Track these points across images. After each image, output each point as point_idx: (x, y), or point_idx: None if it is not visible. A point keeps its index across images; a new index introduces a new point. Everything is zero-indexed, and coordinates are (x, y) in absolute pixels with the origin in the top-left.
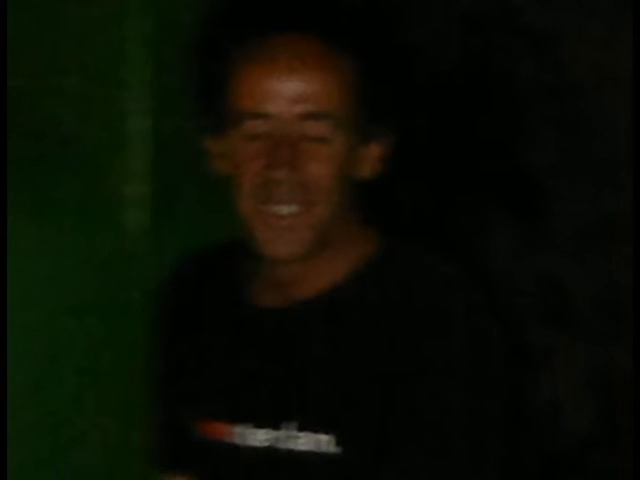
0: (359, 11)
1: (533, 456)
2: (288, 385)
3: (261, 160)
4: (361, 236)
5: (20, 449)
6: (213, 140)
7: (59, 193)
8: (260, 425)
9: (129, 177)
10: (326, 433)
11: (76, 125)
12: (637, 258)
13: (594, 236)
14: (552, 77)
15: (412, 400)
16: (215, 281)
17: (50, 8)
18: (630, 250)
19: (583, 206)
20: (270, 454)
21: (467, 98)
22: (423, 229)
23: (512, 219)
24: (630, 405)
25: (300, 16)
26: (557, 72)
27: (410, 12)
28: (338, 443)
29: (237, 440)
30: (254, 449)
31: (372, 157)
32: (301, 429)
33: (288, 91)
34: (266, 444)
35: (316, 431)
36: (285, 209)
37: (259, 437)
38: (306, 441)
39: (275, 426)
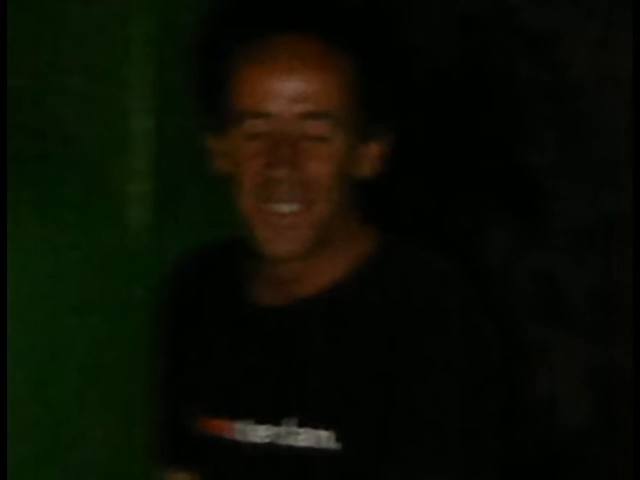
0: (359, 11)
1: (530, 450)
2: (288, 382)
3: (262, 159)
4: (361, 234)
5: (23, 446)
6: (214, 139)
7: (62, 191)
8: (261, 421)
9: (132, 175)
10: (326, 429)
11: (79, 124)
12: (637, 257)
13: (592, 235)
14: (550, 77)
15: (411, 396)
16: (216, 279)
17: (53, 8)
18: (628, 249)
19: (581, 205)
20: (270, 450)
21: (466, 98)
22: (422, 227)
23: (511, 218)
24: (627, 400)
25: (300, 16)
26: (555, 72)
27: (409, 12)
28: (338, 439)
29: (238, 436)
30: (255, 445)
31: (372, 156)
32: (301, 425)
33: (288, 91)
34: (267, 440)
35: (316, 427)
36: (285, 207)
37: (260, 433)
38: (306, 437)
39: (275, 422)
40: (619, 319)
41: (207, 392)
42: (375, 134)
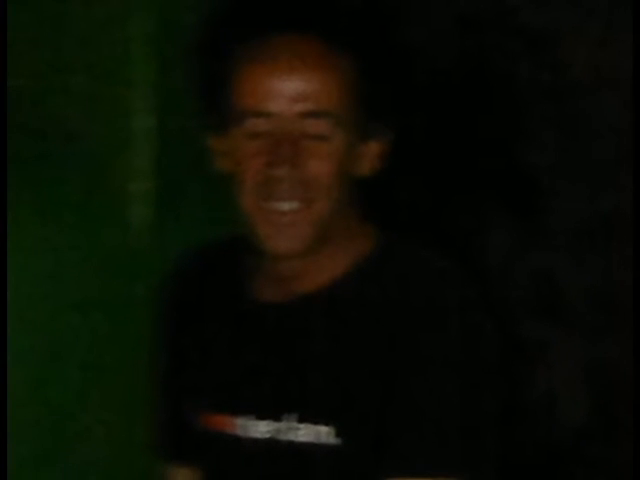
0: (358, 11)
1: (529, 448)
2: (289, 378)
3: (262, 158)
4: (360, 232)
5: (25, 444)
6: (216, 138)
7: (64, 190)
8: (261, 417)
9: (133, 174)
10: (326, 425)
11: (81, 123)
12: (637, 257)
13: (591, 234)
14: (550, 77)
15: (410, 393)
16: (217, 276)
17: (54, 8)
18: (627, 248)
19: (580, 205)
20: (271, 445)
21: (465, 97)
22: (422, 226)
23: (510, 217)
24: (625, 398)
25: (300, 16)
26: (555, 72)
27: (408, 13)
28: (337, 434)
29: (239, 432)
30: (255, 440)
31: (371, 154)
32: (301, 421)
33: (289, 90)
34: (267, 435)
35: (316, 423)
36: (286, 205)
37: (260, 429)
38: (306, 432)
39: (276, 418)
40: (618, 318)
41: (208, 388)
42: (375, 133)
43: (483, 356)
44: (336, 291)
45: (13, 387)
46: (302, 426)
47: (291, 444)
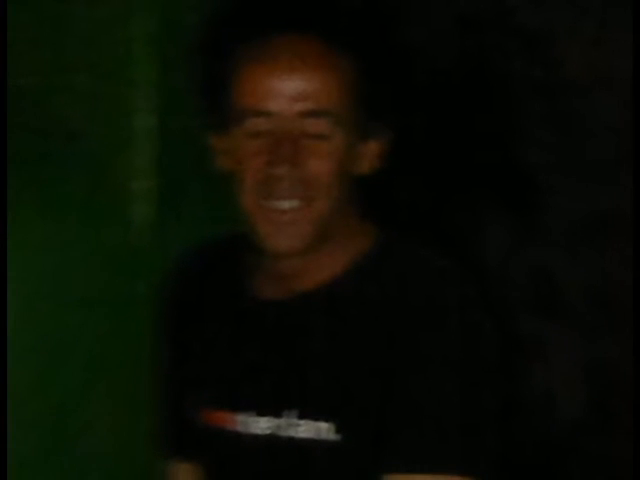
0: (358, 12)
1: (527, 443)
2: (289, 374)
3: (263, 157)
4: (359, 230)
5: (30, 437)
6: (217, 137)
7: (67, 188)
8: (262, 413)
9: (135, 173)
10: (326, 421)
11: (83, 122)
12: (637, 256)
13: (587, 231)
14: (546, 76)
15: (409, 389)
16: (218, 274)
17: (58, 9)
18: (623, 245)
19: (576, 202)
20: (272, 441)
21: (464, 97)
22: (420, 224)
23: (507, 214)
24: (621, 393)
25: (301, 17)
26: (551, 71)
27: (408, 13)
28: (337, 431)
29: (240, 428)
30: (256, 436)
31: (370, 153)
32: (302, 417)
33: (289, 90)
34: (268, 432)
35: (316, 419)
36: (286, 204)
37: (261, 425)
38: (306, 429)
39: (277, 414)
40: (615, 315)
41: (210, 385)
42: (374, 132)
43: (482, 353)
44: (336, 289)
45: (18, 382)
46: (302, 422)
47: (291, 440)
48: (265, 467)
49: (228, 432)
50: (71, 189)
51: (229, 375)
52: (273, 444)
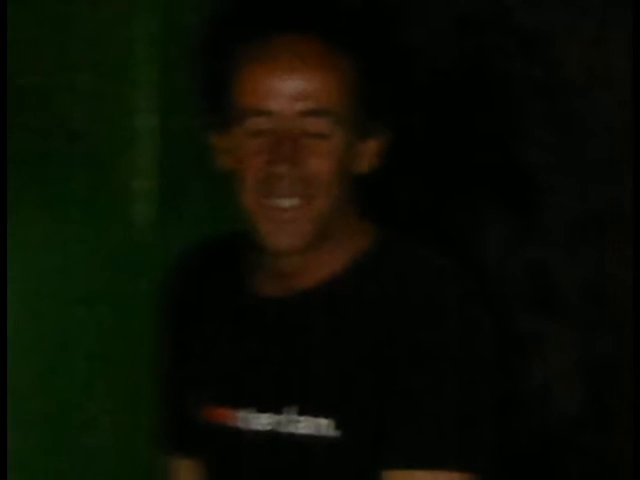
0: (358, 12)
1: (525, 438)
2: (289, 371)
3: (263, 156)
4: (359, 229)
5: (32, 434)
6: (217, 136)
7: (69, 187)
8: (263, 410)
9: (137, 172)
10: (326, 417)
11: (85, 122)
12: (637, 253)
13: (584, 229)
14: (545, 75)
15: (408, 386)
16: (219, 271)
17: (61, 9)
18: (620, 243)
19: (574, 201)
20: (272, 437)
21: (463, 96)
22: (419, 222)
23: (506, 213)
24: (618, 389)
25: (301, 17)
26: (550, 71)
27: (407, 13)
28: (337, 427)
29: (240, 424)
30: (257, 433)
31: (370, 152)
32: (302, 413)
33: (289, 89)
34: (268, 428)
35: (316, 415)
36: (286, 202)
37: (262, 421)
38: (306, 425)
39: (277, 411)
40: (611, 311)
41: (210, 381)
42: (373, 131)
43: (481, 350)
44: (335, 286)
45: (20, 379)
46: (302, 419)
47: (292, 436)
48: (265, 463)
49: (229, 428)
50: (73, 188)
51: (230, 372)
52: (273, 440)
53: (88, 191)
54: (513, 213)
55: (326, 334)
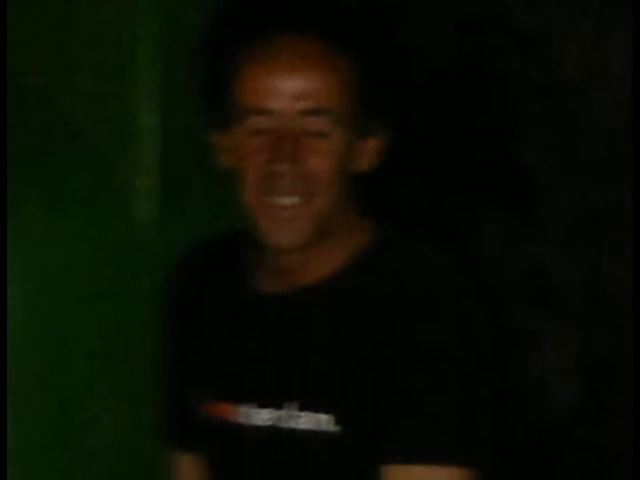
0: (357, 12)
1: (522, 433)
2: (290, 367)
3: (264, 154)
4: (359, 226)
5: (34, 430)
6: (219, 135)
7: (71, 186)
8: (263, 405)
9: (138, 170)
10: (326, 413)
11: (88, 121)
12: (636, 251)
13: (581, 228)
14: (543, 75)
15: (406, 381)
16: (220, 269)
17: (63, 9)
18: (617, 241)
19: (571, 200)
20: (273, 433)
21: (461, 96)
22: (418, 220)
23: (504, 211)
24: (614, 384)
25: (301, 18)
26: (548, 71)
27: (406, 13)
28: (337, 422)
29: (241, 419)
30: (257, 428)
31: (370, 151)
32: (302, 409)
33: (290, 89)
34: (269, 423)
35: (316, 411)
36: (287, 200)
37: (262, 416)
38: (307, 420)
39: (278, 406)
40: (608, 308)
41: (212, 377)
42: (373, 130)
43: (478, 345)
44: (335, 283)
45: (22, 377)
46: (303, 414)
47: (292, 431)
48: (266, 458)
49: (230, 424)
50: (76, 186)
51: (231, 368)
52: (274, 435)
53: (90, 189)
54: (512, 212)
55: (326, 330)
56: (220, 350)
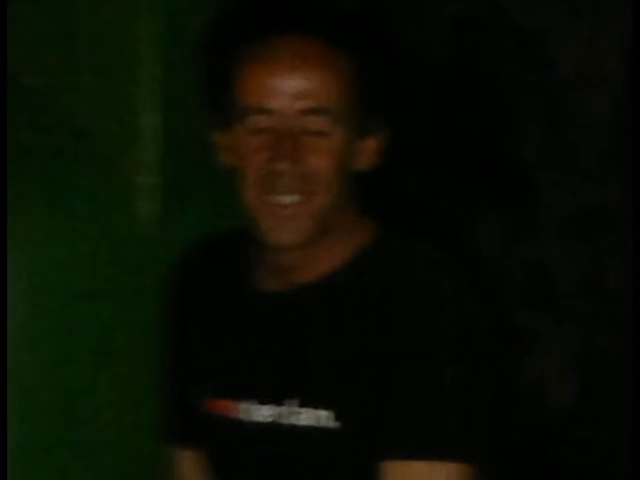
0: (356, 13)
1: (521, 430)
2: (290, 364)
3: (265, 153)
4: (358, 224)
5: (37, 425)
6: (220, 134)
7: (74, 184)
8: (264, 401)
9: (140, 168)
10: (326, 409)
11: (90, 120)
12: (636, 249)
13: (578, 225)
14: (539, 75)
15: (406, 378)
16: (221, 267)
17: (66, 10)
18: (614, 238)
19: (567, 197)
20: (273, 429)
21: (458, 95)
22: (417, 219)
23: (502, 209)
24: (612, 382)
25: (301, 18)
26: (544, 70)
27: (404, 14)
28: (337, 418)
29: (242, 416)
30: (258, 424)
31: (369, 150)
32: (302, 405)
33: (290, 88)
34: (270, 419)
35: (316, 407)
36: (287, 199)
37: (263, 413)
38: (307, 416)
39: (278, 402)
40: (606, 306)
41: (212, 374)
42: (372, 129)
43: (477, 341)
44: (335, 281)
45: (25, 373)
46: (303, 410)
47: (293, 428)
48: (267, 454)
49: (231, 420)
50: (79, 184)
51: (232, 365)
52: (275, 431)
53: (92, 187)
54: (510, 210)
55: (326, 327)
56: (221, 347)
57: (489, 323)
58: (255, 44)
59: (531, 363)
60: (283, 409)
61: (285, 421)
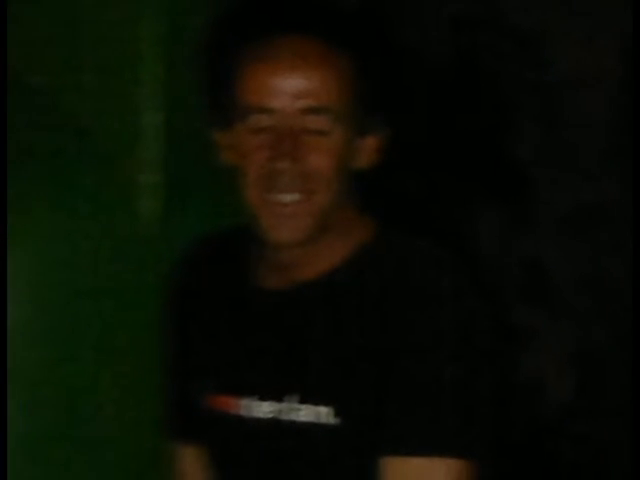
0: (356, 13)
1: (519, 426)
2: (290, 361)
3: (265, 152)
4: (358, 223)
5: (39, 422)
6: (221, 133)
7: (77, 182)
8: (264, 398)
9: (142, 167)
10: (325, 405)
11: (93, 119)
12: (636, 247)
13: (576, 222)
14: (537, 75)
15: (405, 374)
16: (222, 264)
17: (69, 10)
18: (612, 236)
19: (565, 196)
20: (273, 425)
21: (457, 94)
22: (416, 216)
23: (501, 207)
24: (609, 378)
25: (301, 18)
26: (542, 70)
27: (404, 14)
28: (337, 415)
29: (243, 412)
30: (258, 420)
31: (369, 149)
32: (302, 402)
33: (290, 87)
34: (270, 416)
35: (316, 403)
36: (288, 197)
37: (263, 409)
38: (307, 413)
39: (278, 399)
40: (604, 303)
41: (213, 370)
42: (372, 128)
43: (476, 338)
44: (335, 278)
45: (27, 370)
46: (303, 407)
47: (293, 424)
48: (267, 450)
49: (232, 416)
50: (81, 183)
51: (232, 361)
52: (275, 428)
53: (95, 186)
54: (509, 208)
55: (326, 324)
56: (222, 344)
57: (489, 321)
58: (256, 44)
59: (529, 359)
60: (283, 405)
61: (285, 417)
